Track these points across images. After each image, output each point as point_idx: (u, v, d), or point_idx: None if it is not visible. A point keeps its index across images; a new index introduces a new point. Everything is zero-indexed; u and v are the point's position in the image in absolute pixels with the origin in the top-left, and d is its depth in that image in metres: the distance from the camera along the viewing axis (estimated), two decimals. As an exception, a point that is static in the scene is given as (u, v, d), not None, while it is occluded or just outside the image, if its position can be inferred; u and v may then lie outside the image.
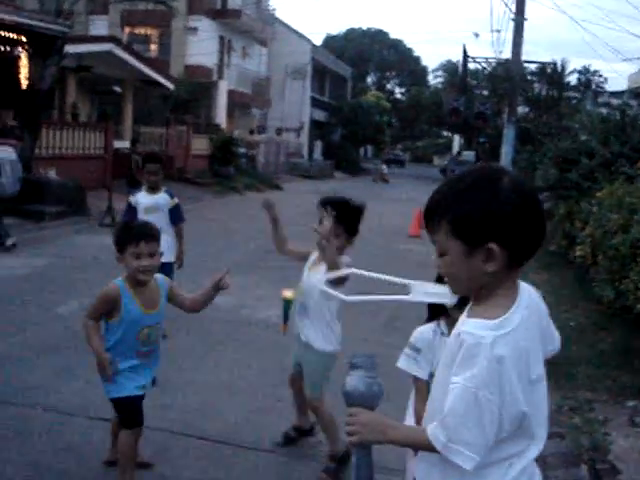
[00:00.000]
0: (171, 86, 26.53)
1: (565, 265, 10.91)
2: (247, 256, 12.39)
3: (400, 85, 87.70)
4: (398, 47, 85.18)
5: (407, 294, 2.38)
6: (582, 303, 8.82)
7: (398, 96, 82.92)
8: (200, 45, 33.30)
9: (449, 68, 73.86)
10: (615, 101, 18.35)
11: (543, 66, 36.51)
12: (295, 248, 4.65)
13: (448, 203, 1.91)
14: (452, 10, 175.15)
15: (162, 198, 7.03)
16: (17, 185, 11.92)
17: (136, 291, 3.79)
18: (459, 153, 58.36)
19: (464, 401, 1.81)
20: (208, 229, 14.95)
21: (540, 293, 2.04)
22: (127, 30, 34.97)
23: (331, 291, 3.18)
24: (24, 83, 16.40)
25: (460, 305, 2.49)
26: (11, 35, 16.05)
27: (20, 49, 16.57)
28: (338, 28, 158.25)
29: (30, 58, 16.52)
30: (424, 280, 2.44)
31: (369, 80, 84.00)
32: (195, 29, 33.77)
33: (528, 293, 1.97)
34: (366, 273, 2.58)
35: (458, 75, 51.36)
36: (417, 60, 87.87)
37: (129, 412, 3.85)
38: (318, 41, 78.37)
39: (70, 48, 17.76)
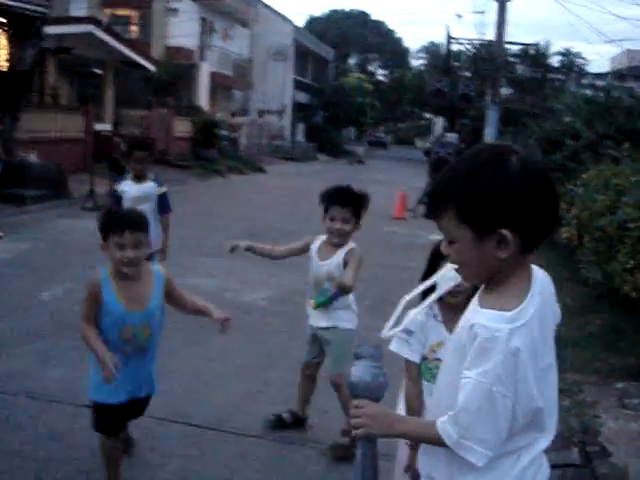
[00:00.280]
0: (152, 68, 26.28)
1: (551, 247, 10.88)
2: (231, 239, 12.29)
3: (383, 67, 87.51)
4: (380, 29, 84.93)
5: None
6: (568, 285, 8.80)
7: (381, 78, 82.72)
8: (181, 27, 32.94)
9: (431, 50, 73.75)
10: (600, 83, 18.34)
11: (526, 48, 36.49)
12: (288, 247, 4.78)
13: (455, 188, 1.81)
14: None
15: (150, 187, 6.67)
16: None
17: (120, 285, 3.47)
18: (443, 135, 58.37)
19: (478, 397, 1.74)
20: (192, 212, 14.84)
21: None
22: (107, 11, 34.55)
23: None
24: (3, 65, 16.14)
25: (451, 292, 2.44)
26: (-11, 16, 15.82)
27: (-2, 30, 16.33)
28: (320, 9, 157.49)
29: (9, 39, 16.25)
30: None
31: (351, 62, 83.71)
32: (176, 10, 33.37)
33: (540, 277, 1.90)
34: (414, 293, 2.41)
35: (441, 57, 51.32)
36: (399, 42, 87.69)
37: (102, 419, 3.61)
38: (301, 23, 78.03)
39: (50, 29, 17.56)
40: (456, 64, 45.51)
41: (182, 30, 32.88)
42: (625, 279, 6.66)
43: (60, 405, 4.92)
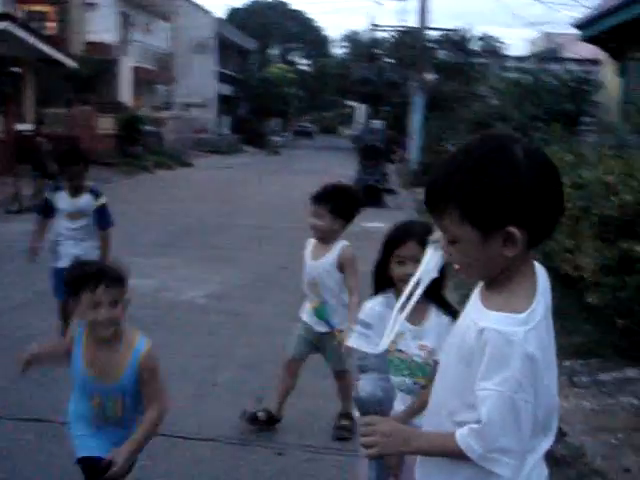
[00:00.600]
0: (72, 64, 25.64)
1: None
2: (165, 237, 12.09)
3: (306, 57, 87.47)
4: (299, 18, 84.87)
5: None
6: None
7: (304, 68, 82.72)
8: (100, 21, 32.25)
9: (353, 38, 73.95)
10: (522, 65, 18.68)
11: (447, 33, 36.87)
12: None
13: (455, 184, 1.65)
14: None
15: (86, 201, 5.84)
16: None
17: (91, 349, 3.03)
18: (370, 122, 58.72)
19: (500, 409, 1.64)
20: (121, 211, 14.44)
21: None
22: (23, 7, 33.55)
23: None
24: None
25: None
26: None
27: None
28: (241, 0, 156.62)
29: None
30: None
31: (273, 52, 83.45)
32: (94, 5, 32.63)
33: (542, 273, 1.79)
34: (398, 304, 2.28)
35: (363, 45, 51.48)
36: (317, 30, 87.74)
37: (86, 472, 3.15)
38: (222, 14, 77.36)
39: (-38, 27, 16.92)
40: (379, 52, 45.70)
41: (101, 25, 32.18)
42: (565, 259, 6.72)
43: (2, 421, 4.67)
